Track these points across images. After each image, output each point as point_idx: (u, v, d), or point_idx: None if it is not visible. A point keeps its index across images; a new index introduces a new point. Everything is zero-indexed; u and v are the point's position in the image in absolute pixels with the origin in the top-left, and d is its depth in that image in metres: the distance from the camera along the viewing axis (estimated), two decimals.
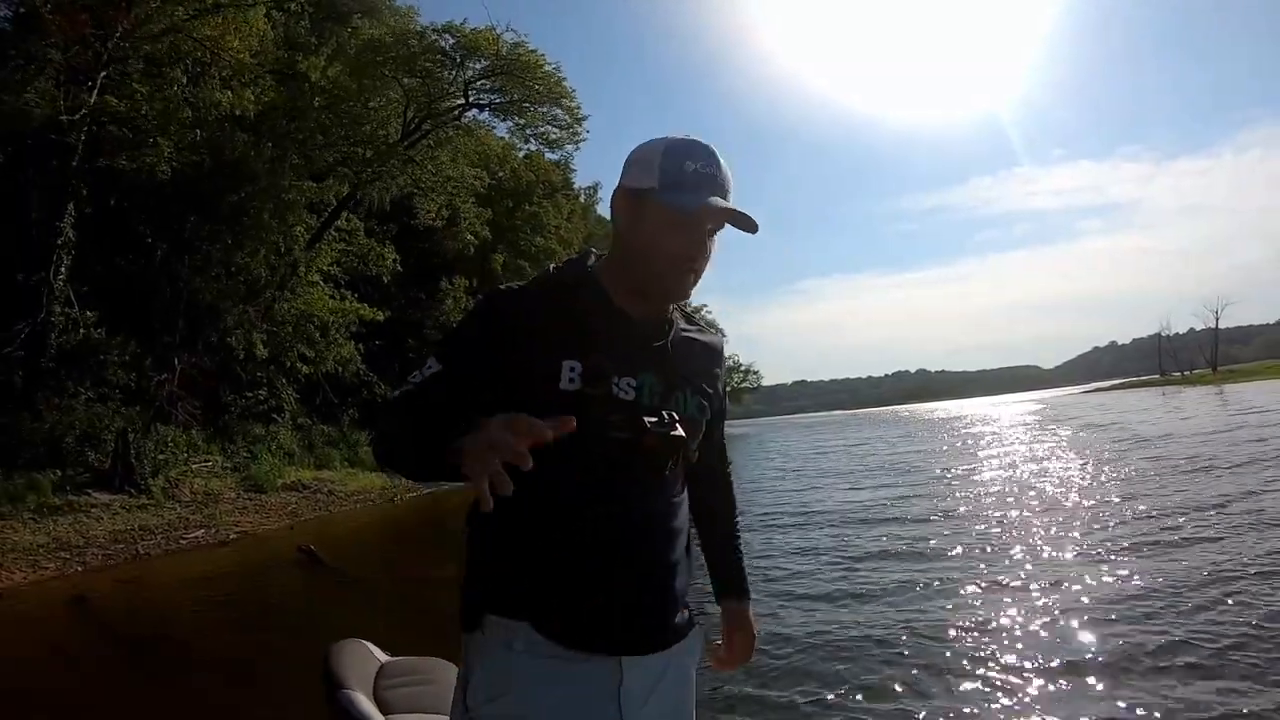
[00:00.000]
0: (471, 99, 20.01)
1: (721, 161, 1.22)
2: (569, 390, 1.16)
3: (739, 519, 1.56)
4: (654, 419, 1.20)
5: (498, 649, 1.17)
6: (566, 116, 20.92)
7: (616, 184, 1.27)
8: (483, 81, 19.73)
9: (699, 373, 1.33)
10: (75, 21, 12.48)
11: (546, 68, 19.78)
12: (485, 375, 1.19)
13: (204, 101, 14.48)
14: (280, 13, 18.08)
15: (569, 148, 21.75)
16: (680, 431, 1.22)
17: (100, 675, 5.20)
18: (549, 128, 21.07)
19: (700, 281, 1.27)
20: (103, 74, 13.02)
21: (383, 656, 1.87)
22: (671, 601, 1.27)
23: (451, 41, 19.04)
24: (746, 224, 1.23)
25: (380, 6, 24.82)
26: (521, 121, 20.94)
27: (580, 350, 1.19)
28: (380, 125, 18.86)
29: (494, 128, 23.44)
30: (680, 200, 1.19)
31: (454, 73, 19.45)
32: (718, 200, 1.19)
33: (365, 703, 1.60)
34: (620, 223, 1.27)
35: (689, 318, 1.38)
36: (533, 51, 19.55)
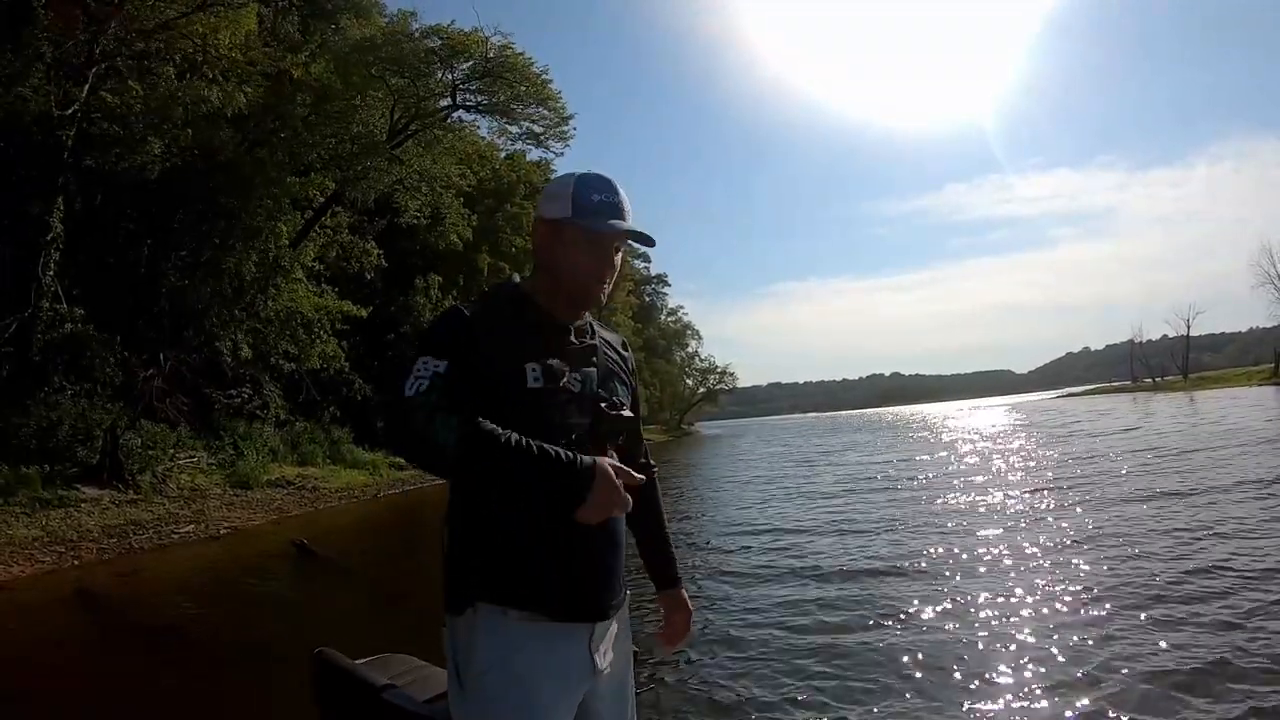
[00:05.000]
0: (459, 100, 20.18)
1: (621, 190, 1.48)
2: (534, 388, 1.39)
3: (665, 514, 1.81)
4: (605, 403, 1.47)
5: (493, 622, 1.37)
6: (553, 115, 21.20)
7: (534, 216, 1.54)
8: (470, 83, 19.92)
9: (619, 363, 1.60)
10: (68, 16, 12.56)
11: (533, 69, 20.05)
12: (472, 368, 1.36)
13: (193, 98, 14.50)
14: (267, 9, 18.18)
15: (555, 145, 21.85)
16: (628, 412, 1.51)
17: (113, 665, 5.31)
18: (534, 126, 21.26)
19: (609, 290, 1.54)
20: (94, 69, 13.05)
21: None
22: (620, 573, 1.52)
23: (439, 43, 19.25)
24: (645, 240, 1.51)
25: (368, 6, 24.88)
26: (508, 123, 21.17)
27: (537, 354, 1.42)
28: (366, 124, 18.98)
29: (478, 127, 23.64)
30: (590, 225, 1.44)
31: (441, 74, 19.63)
32: (618, 223, 1.46)
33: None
34: (541, 247, 1.50)
35: (601, 328, 1.64)
36: (520, 54, 19.77)
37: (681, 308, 76.21)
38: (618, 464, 1.32)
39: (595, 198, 1.46)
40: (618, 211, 1.46)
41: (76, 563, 8.70)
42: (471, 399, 1.31)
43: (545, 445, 1.28)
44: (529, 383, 1.39)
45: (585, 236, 1.46)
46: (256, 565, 8.89)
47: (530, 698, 1.36)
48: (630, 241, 1.54)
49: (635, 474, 1.32)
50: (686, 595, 1.79)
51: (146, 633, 6.21)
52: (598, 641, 1.45)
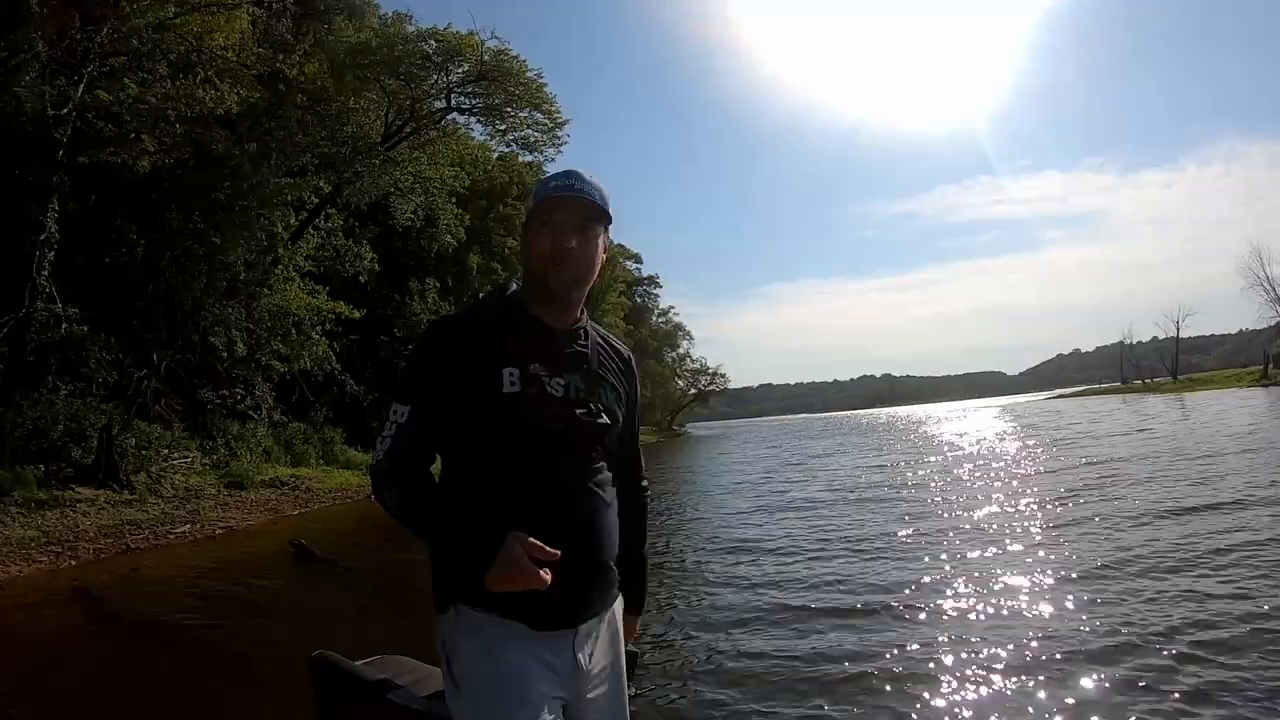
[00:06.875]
0: (454, 103, 20.24)
1: (583, 175, 1.48)
2: (511, 392, 1.39)
3: (649, 541, 1.77)
4: (582, 410, 1.45)
5: (473, 622, 1.40)
6: (547, 120, 21.27)
7: None
8: (465, 86, 19.96)
9: (614, 373, 1.58)
10: (63, 15, 12.57)
11: (528, 74, 20.12)
12: (443, 394, 1.41)
13: (187, 98, 14.49)
14: (261, 10, 18.18)
15: (549, 150, 21.91)
16: (605, 419, 1.48)
17: (111, 665, 5.34)
18: (529, 131, 21.33)
19: (587, 284, 1.51)
20: (89, 69, 13.06)
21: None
22: (608, 572, 1.51)
23: (434, 46, 19.30)
24: (592, 207, 1.47)
25: (362, 6, 24.89)
26: (502, 126, 21.21)
27: (517, 358, 1.42)
28: (361, 126, 19.00)
29: (471, 130, 23.67)
30: (536, 206, 1.48)
31: (437, 76, 19.67)
32: (561, 190, 1.46)
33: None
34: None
35: (605, 336, 1.63)
36: (515, 57, 19.85)
37: (672, 308, 76.45)
38: (532, 541, 1.29)
39: (550, 184, 1.49)
40: (565, 189, 1.47)
41: (73, 563, 8.73)
42: (435, 434, 1.42)
43: (466, 520, 1.35)
44: (505, 387, 1.39)
45: (533, 220, 1.49)
46: (254, 565, 8.90)
47: (516, 692, 1.37)
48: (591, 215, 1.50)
49: (550, 550, 1.29)
50: (638, 629, 1.74)
51: (145, 633, 6.22)
52: (582, 642, 1.45)
